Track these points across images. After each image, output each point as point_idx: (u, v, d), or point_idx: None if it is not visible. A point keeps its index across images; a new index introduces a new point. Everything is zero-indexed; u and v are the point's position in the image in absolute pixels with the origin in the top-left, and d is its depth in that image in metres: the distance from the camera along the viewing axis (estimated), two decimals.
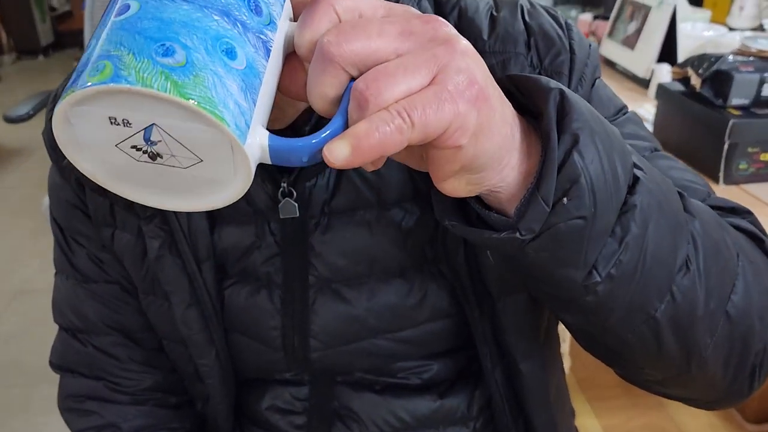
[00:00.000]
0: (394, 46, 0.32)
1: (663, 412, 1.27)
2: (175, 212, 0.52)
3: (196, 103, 0.30)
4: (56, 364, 0.63)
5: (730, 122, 1.07)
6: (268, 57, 0.33)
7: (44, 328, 0.64)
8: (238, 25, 0.33)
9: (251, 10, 0.33)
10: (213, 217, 0.53)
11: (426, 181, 0.46)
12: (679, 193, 0.42)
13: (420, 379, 0.60)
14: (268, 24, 0.34)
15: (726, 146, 1.10)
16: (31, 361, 1.54)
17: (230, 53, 0.33)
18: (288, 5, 0.35)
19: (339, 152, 0.31)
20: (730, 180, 1.16)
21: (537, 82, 0.36)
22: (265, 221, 0.53)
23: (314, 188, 0.51)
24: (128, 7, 0.33)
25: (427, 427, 0.59)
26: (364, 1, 0.33)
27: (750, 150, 1.10)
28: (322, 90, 0.32)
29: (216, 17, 0.33)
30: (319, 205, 0.51)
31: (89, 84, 0.30)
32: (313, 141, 0.33)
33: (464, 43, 0.33)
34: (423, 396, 0.59)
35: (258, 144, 0.33)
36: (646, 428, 1.23)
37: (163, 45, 0.31)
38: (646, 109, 1.39)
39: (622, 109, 0.54)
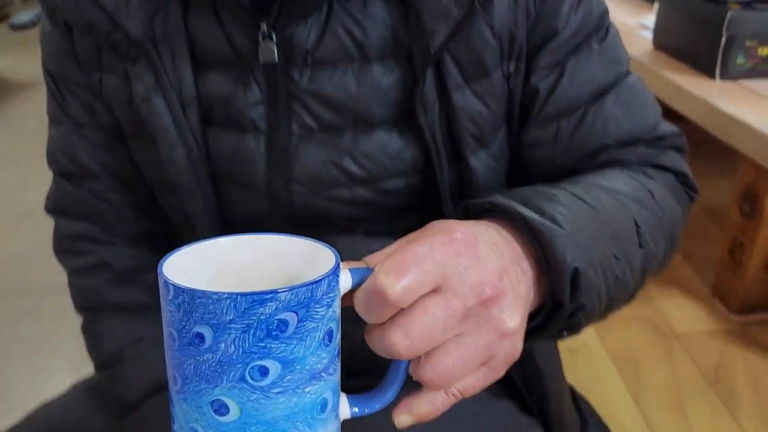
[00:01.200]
0: (455, 332, 0.38)
1: (650, 305, 1.31)
2: (159, 55, 0.53)
3: None
4: (51, 208, 0.64)
5: (728, 15, 1.06)
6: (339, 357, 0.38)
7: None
8: (323, 375, 0.37)
9: (326, 347, 0.37)
10: (197, 62, 0.54)
11: (409, 40, 0.52)
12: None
13: (401, 228, 0.62)
14: (336, 352, 0.38)
15: (723, 40, 1.09)
16: (41, 276, 1.58)
17: (324, 405, 0.37)
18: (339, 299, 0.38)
19: (404, 421, 0.40)
20: (726, 75, 1.15)
21: (558, 263, 0.43)
22: (248, 68, 0.54)
23: (295, 35, 0.52)
24: (227, 408, 0.35)
25: None
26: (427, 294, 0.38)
27: (748, 44, 1.09)
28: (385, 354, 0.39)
29: (308, 389, 0.36)
30: (302, 55, 0.53)
31: None
32: (373, 409, 0.40)
33: (515, 324, 0.39)
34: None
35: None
36: (634, 319, 1.27)
37: None
38: (650, 20, 1.37)
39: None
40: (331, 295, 0.36)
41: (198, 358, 0.35)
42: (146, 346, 0.63)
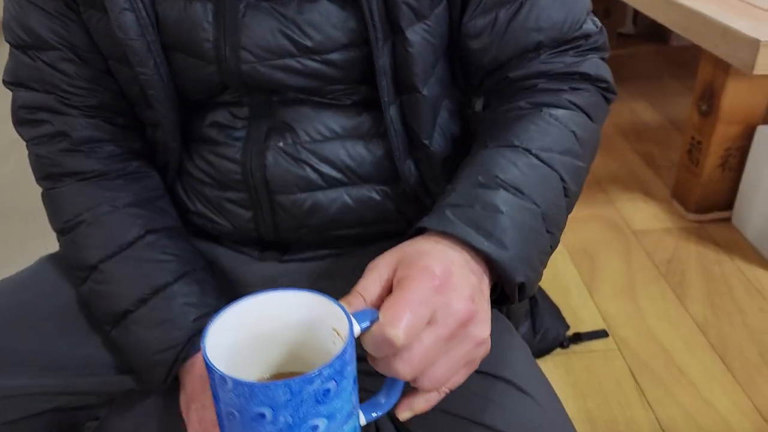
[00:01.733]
0: (444, 351, 0.48)
1: (611, 207, 1.34)
2: None
3: None
4: (8, 81, 0.66)
5: None
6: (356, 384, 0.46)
7: None
8: (353, 410, 0.46)
9: (354, 390, 0.45)
10: None
11: None
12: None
13: (350, 100, 0.64)
14: (357, 388, 0.46)
15: None
16: (29, 201, 1.60)
17: (356, 429, 0.46)
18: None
19: (405, 416, 0.51)
20: None
21: (507, 282, 0.54)
22: None
23: None
24: None
25: (355, 137, 0.64)
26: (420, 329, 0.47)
27: None
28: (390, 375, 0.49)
29: (346, 426, 0.45)
30: None
31: None
32: (381, 412, 0.50)
33: (485, 335, 0.50)
34: (355, 110, 0.63)
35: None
36: (595, 219, 1.30)
37: None
38: None
39: None
40: (354, 353, 0.44)
41: (260, 429, 0.42)
42: (102, 211, 0.66)
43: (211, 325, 0.45)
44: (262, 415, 0.42)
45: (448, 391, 0.54)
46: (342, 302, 0.49)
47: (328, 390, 0.43)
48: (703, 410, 0.87)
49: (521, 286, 0.55)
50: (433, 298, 0.48)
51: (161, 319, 0.65)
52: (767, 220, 1.17)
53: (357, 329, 0.45)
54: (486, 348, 0.53)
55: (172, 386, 0.70)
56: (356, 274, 0.76)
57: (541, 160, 0.59)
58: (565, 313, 1.03)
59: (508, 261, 0.53)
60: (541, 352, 0.96)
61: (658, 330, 1.01)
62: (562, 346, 0.97)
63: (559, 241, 0.61)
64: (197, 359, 0.67)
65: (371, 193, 0.69)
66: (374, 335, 0.46)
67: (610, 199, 1.36)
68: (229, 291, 0.72)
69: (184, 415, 0.70)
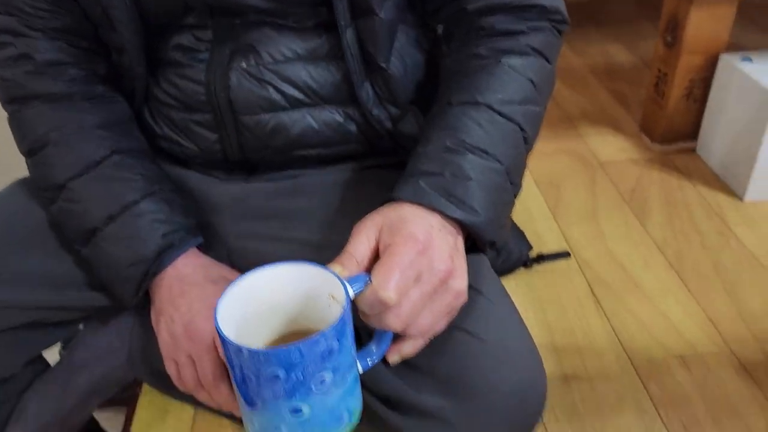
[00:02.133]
0: (428, 304, 0.55)
1: (580, 141, 1.37)
2: None
3: (353, 425, 0.53)
4: None
5: None
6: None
7: None
8: (353, 363, 0.52)
9: (353, 346, 0.52)
10: None
11: None
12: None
13: (311, 23, 0.66)
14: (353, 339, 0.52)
15: None
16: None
17: (356, 378, 0.53)
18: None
19: (395, 360, 0.58)
20: None
21: (480, 241, 0.61)
22: None
23: None
24: (301, 410, 0.49)
25: (316, 59, 0.66)
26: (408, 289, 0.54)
27: None
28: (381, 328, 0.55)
29: (348, 377, 0.51)
30: None
31: None
32: (374, 360, 0.56)
33: (463, 287, 0.57)
34: (315, 33, 0.65)
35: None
36: (563, 152, 1.33)
37: (337, 417, 0.51)
38: None
39: None
40: (351, 315, 0.50)
41: (275, 387, 0.48)
42: (69, 131, 0.68)
43: (221, 300, 0.51)
44: (277, 376, 0.49)
45: (432, 336, 0.60)
46: (336, 263, 0.56)
47: (332, 348, 0.49)
48: (656, 320, 0.91)
49: (492, 243, 0.62)
50: (418, 261, 0.55)
51: (129, 235, 0.68)
52: (729, 149, 1.20)
53: (352, 292, 0.51)
54: (464, 298, 0.59)
55: (144, 303, 0.73)
56: (320, 192, 0.79)
57: (503, 115, 0.63)
58: (529, 237, 1.06)
59: (480, 224, 0.60)
60: (504, 271, 0.99)
61: (618, 251, 1.04)
62: (525, 265, 1.01)
63: (521, 186, 0.68)
64: (166, 274, 0.70)
65: (333, 114, 0.71)
66: (368, 297, 0.53)
67: (580, 134, 1.39)
68: (198, 211, 0.74)
69: (154, 328, 0.73)
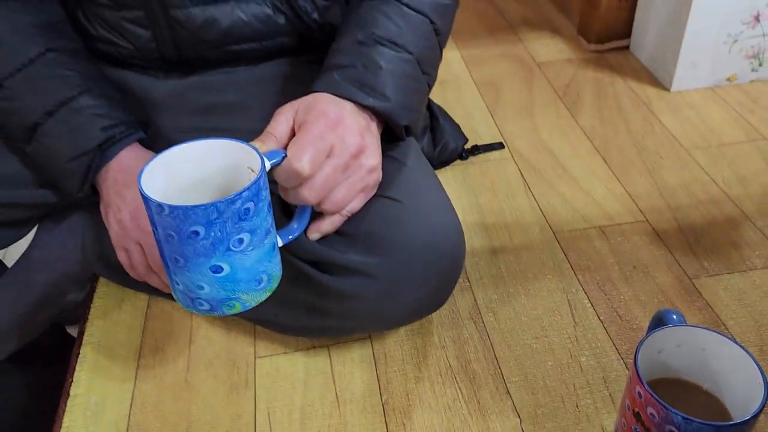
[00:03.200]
0: (341, 179, 0.61)
1: (519, 45, 1.41)
2: None
3: (272, 289, 0.59)
4: None
5: None
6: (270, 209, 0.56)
7: None
8: (271, 229, 0.56)
9: (269, 212, 0.56)
10: None
11: None
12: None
13: None
14: (272, 212, 0.57)
15: None
16: None
17: (274, 246, 0.58)
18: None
19: (314, 237, 0.65)
20: None
21: (393, 126, 0.67)
22: None
23: None
24: (222, 268, 0.54)
25: None
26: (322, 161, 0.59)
27: None
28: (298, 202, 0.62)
29: (266, 241, 0.55)
30: None
31: (230, 312, 0.57)
32: (295, 235, 0.63)
33: (375, 163, 0.63)
34: None
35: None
36: (503, 56, 1.37)
37: (256, 279, 0.56)
38: None
39: None
40: (266, 181, 0.54)
41: (196, 245, 0.52)
42: (2, 30, 0.71)
43: (144, 168, 0.55)
44: (197, 233, 0.53)
45: (348, 214, 0.66)
46: (256, 141, 0.60)
47: (248, 209, 0.53)
48: (580, 197, 0.97)
49: (407, 127, 0.67)
50: (329, 135, 0.60)
51: (70, 129, 0.71)
52: (657, 43, 1.25)
53: (268, 163, 0.56)
54: (377, 175, 0.65)
55: (94, 199, 0.77)
56: (255, 86, 0.83)
57: (411, 8, 0.69)
58: (468, 134, 1.11)
59: (391, 110, 0.65)
60: (441, 164, 1.04)
61: (549, 141, 1.10)
62: (461, 157, 1.06)
63: (436, 78, 0.73)
64: (111, 167, 0.74)
65: (261, 6, 0.74)
66: (284, 169, 0.58)
67: (520, 39, 1.43)
68: (138, 110, 0.78)
69: (104, 221, 0.77)
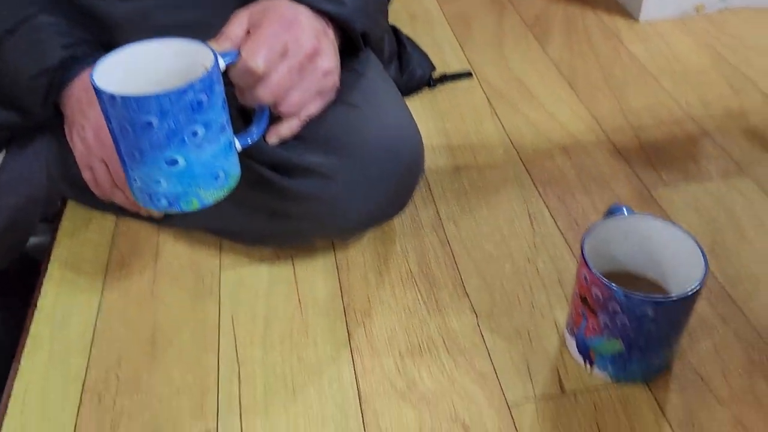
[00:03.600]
0: (297, 80, 0.62)
1: None
2: None
3: (230, 187, 0.60)
4: None
5: None
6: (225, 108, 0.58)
7: None
8: (226, 126, 0.58)
9: (224, 108, 0.57)
10: None
11: None
12: None
13: None
14: (227, 110, 0.58)
15: None
16: None
17: (230, 144, 0.59)
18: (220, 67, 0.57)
19: (274, 141, 0.66)
20: None
21: (351, 31, 0.68)
22: None
23: None
24: (177, 161, 0.55)
25: None
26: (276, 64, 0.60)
27: None
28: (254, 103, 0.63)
29: (221, 137, 0.57)
30: None
31: (188, 209, 0.58)
32: (254, 139, 0.64)
33: (330, 66, 0.64)
34: None
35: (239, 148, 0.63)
36: None
37: (213, 175, 0.57)
38: None
39: None
40: (220, 77, 0.55)
41: (150, 137, 0.53)
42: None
43: (97, 65, 0.55)
44: (150, 124, 0.53)
45: (306, 119, 0.66)
46: (211, 42, 0.60)
47: (201, 101, 0.54)
48: (545, 120, 0.98)
49: (365, 36, 0.69)
50: (283, 34, 0.60)
51: (30, 46, 0.71)
52: None
53: (223, 63, 0.57)
54: (334, 79, 0.66)
55: (59, 121, 0.77)
56: (218, 4, 0.83)
57: None
58: (436, 65, 1.11)
59: (347, 14, 0.66)
60: (409, 91, 1.05)
61: (517, 70, 1.11)
62: (429, 85, 1.07)
63: None
64: (73, 86, 0.74)
65: None
66: (239, 68, 0.59)
67: None
68: (101, 31, 0.78)
69: (68, 141, 0.78)
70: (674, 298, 0.55)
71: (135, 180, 0.57)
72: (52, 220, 0.91)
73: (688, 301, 0.56)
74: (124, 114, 0.53)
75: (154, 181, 0.56)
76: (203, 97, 0.54)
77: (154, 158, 0.55)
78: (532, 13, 1.27)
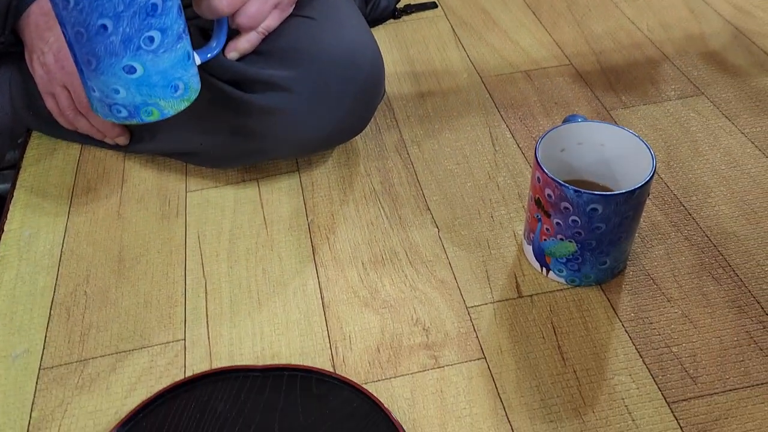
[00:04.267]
0: None
1: None
2: None
3: (190, 99, 0.60)
4: None
5: None
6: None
7: None
8: (183, 35, 0.57)
9: (181, 16, 0.56)
10: None
11: None
12: None
13: None
14: (184, 19, 0.58)
15: None
16: None
17: (189, 55, 0.59)
18: None
19: (233, 56, 0.68)
20: None
21: None
22: None
23: None
24: (134, 69, 0.55)
25: None
26: None
27: None
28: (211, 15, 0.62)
29: (179, 45, 0.57)
30: None
31: (148, 119, 0.58)
32: (213, 53, 0.64)
33: None
34: None
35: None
36: None
37: (172, 85, 0.58)
38: None
39: None
40: None
41: (106, 41, 0.53)
42: None
43: None
44: (105, 27, 0.53)
45: (265, 32, 0.67)
46: None
47: (156, 5, 0.53)
48: (508, 46, 0.99)
49: None
50: None
51: None
52: None
53: None
54: None
55: (20, 51, 0.76)
56: None
57: None
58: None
59: None
60: (374, 22, 1.05)
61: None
62: (394, 16, 1.07)
63: None
64: (31, 12, 0.73)
65: None
66: None
67: None
68: None
69: (29, 68, 0.77)
70: (622, 192, 0.57)
71: (93, 90, 0.57)
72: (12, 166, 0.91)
73: (635, 196, 0.57)
74: (78, 17, 0.52)
75: (112, 89, 0.56)
76: (158, 1, 0.54)
77: (111, 65, 0.55)
78: None
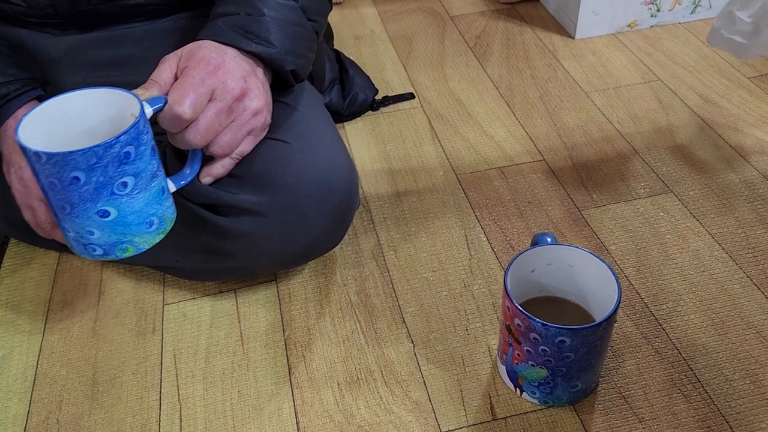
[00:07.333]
0: (226, 122, 0.64)
1: (436, 0, 1.44)
2: None
3: (165, 231, 0.60)
4: None
5: None
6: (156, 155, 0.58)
7: None
8: (157, 173, 0.58)
9: (154, 156, 0.57)
10: None
11: None
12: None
13: None
14: (158, 156, 0.59)
15: None
16: None
17: (163, 190, 0.59)
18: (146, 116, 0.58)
19: (207, 181, 0.67)
20: None
21: (279, 71, 0.70)
22: None
23: None
24: (109, 212, 0.55)
25: None
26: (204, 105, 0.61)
27: None
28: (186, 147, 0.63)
29: (152, 184, 0.57)
30: None
31: (123, 256, 0.58)
32: (187, 180, 0.65)
33: (259, 106, 0.65)
34: None
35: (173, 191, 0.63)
36: (418, 10, 1.39)
37: (147, 222, 0.58)
38: None
39: None
40: (147, 125, 0.56)
41: (79, 190, 0.53)
42: None
43: (22, 120, 0.55)
44: (77, 179, 0.54)
45: (239, 157, 0.68)
46: (140, 89, 0.61)
47: (129, 153, 0.54)
48: (483, 141, 1.01)
49: (294, 73, 0.70)
50: (209, 79, 0.61)
51: None
52: None
53: (149, 108, 0.58)
54: (264, 118, 0.67)
55: None
56: (152, 39, 0.84)
57: None
58: (380, 86, 1.13)
59: (276, 55, 0.67)
60: (351, 115, 1.07)
61: (457, 90, 1.14)
62: (372, 108, 1.09)
63: (324, 26, 0.75)
64: (8, 125, 0.74)
65: None
66: (166, 114, 0.60)
67: None
68: (35, 67, 0.78)
69: (7, 180, 0.78)
70: (589, 326, 0.58)
71: (68, 231, 0.58)
72: None
73: (600, 329, 0.59)
74: (51, 170, 0.53)
75: (87, 231, 0.57)
76: (131, 149, 0.55)
77: (85, 210, 0.56)
78: (473, 33, 1.30)
